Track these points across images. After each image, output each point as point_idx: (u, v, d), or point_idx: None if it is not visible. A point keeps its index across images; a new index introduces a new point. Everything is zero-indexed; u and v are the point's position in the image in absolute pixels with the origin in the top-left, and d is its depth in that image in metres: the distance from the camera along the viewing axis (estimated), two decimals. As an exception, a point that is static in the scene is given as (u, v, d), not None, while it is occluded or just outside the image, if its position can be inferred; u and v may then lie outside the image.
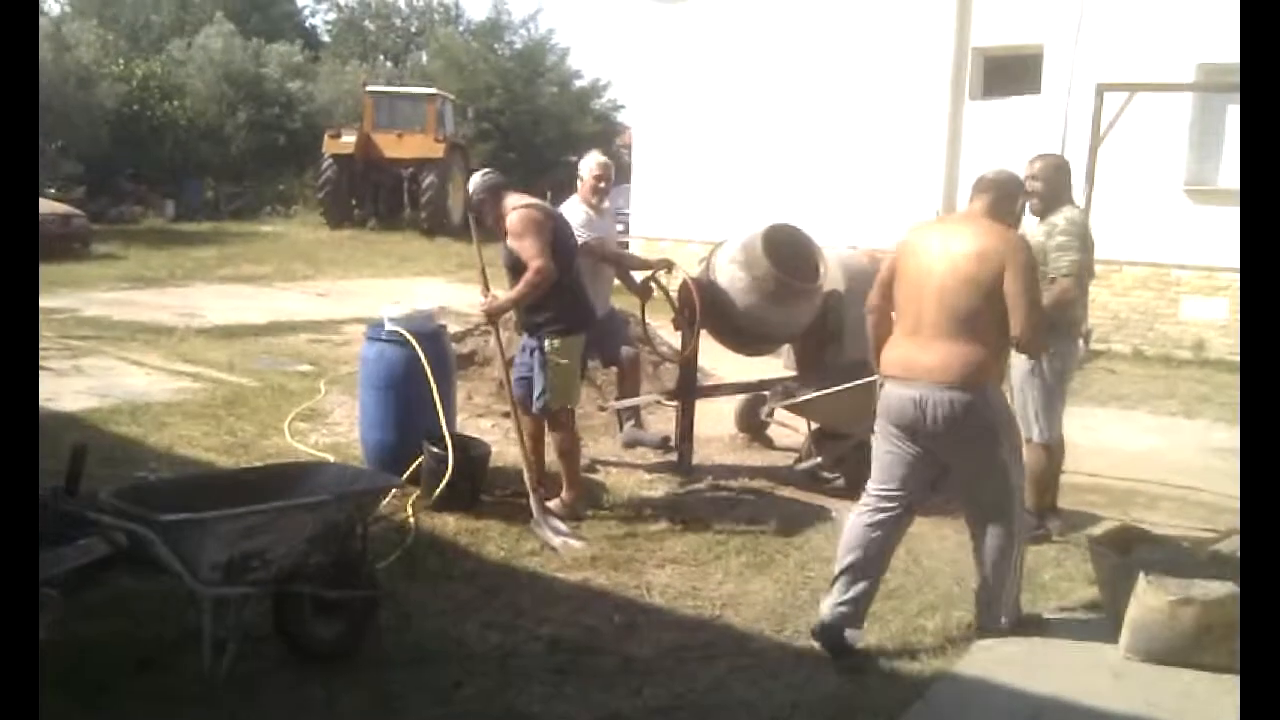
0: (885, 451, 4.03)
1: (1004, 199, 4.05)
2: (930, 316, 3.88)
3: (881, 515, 3.99)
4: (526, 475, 5.19)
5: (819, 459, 5.97)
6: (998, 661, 3.93)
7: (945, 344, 3.84)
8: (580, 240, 5.81)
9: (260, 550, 3.36)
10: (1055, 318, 4.62)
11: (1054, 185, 5.03)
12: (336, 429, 6.75)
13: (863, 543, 3.96)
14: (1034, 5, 12.02)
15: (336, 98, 29.38)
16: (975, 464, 3.98)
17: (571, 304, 5.27)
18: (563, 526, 5.08)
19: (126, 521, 3.21)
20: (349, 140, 22.32)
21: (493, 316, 5.31)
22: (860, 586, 3.94)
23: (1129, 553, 4.19)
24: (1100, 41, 11.48)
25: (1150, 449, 7.23)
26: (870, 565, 3.97)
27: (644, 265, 6.58)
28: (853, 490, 5.73)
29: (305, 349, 9.62)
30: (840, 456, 5.89)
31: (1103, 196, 11.07)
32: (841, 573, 3.96)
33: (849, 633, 3.95)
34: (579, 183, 6.27)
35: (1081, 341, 5.14)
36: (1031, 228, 4.91)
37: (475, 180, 5.42)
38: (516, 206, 5.20)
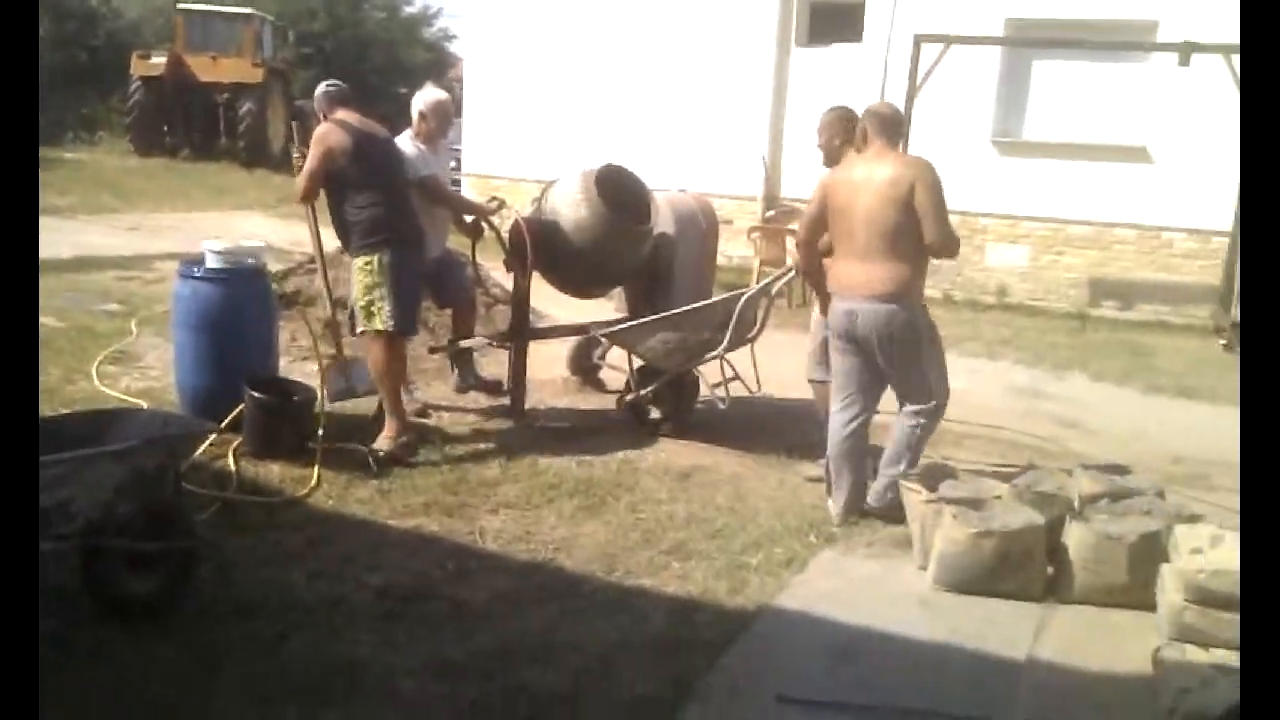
0: (836, 361, 4.84)
1: (895, 131, 4.76)
2: (861, 240, 4.59)
3: (851, 418, 4.81)
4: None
5: (640, 394, 6.08)
6: (817, 595, 4.13)
7: (874, 264, 4.57)
8: (414, 177, 5.69)
9: (64, 502, 3.20)
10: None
11: (835, 136, 5.15)
12: (150, 373, 6.42)
13: (844, 448, 4.79)
14: (858, -46, 12.30)
15: (145, 15, 27.49)
16: (901, 364, 4.70)
17: (378, 221, 5.24)
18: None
19: None
20: (159, 61, 20.89)
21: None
22: (850, 480, 4.79)
23: (936, 489, 4.46)
24: (920, -7, 11.88)
25: (956, 390, 7.58)
26: (858, 461, 4.81)
27: (475, 208, 6.46)
28: (674, 427, 5.95)
29: (114, 287, 9.06)
30: (659, 392, 6.02)
31: (917, 146, 11.53)
32: (836, 475, 4.82)
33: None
34: (414, 118, 5.98)
35: (818, 300, 5.31)
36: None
37: (318, 89, 5.56)
38: (327, 120, 5.32)
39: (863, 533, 4.74)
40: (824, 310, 4.96)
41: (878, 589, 4.22)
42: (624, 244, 5.99)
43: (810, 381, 5.49)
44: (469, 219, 6.30)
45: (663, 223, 6.21)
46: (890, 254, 4.55)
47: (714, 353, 5.75)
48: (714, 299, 5.90)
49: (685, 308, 5.84)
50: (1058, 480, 4.59)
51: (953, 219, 4.59)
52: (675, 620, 3.86)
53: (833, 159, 5.13)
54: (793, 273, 5.69)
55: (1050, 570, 4.20)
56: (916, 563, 4.38)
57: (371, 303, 5.26)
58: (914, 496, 4.49)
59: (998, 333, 10.08)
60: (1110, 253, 11.72)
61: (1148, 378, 8.37)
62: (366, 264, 5.25)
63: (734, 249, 11.24)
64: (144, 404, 5.48)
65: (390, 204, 5.31)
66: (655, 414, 6.09)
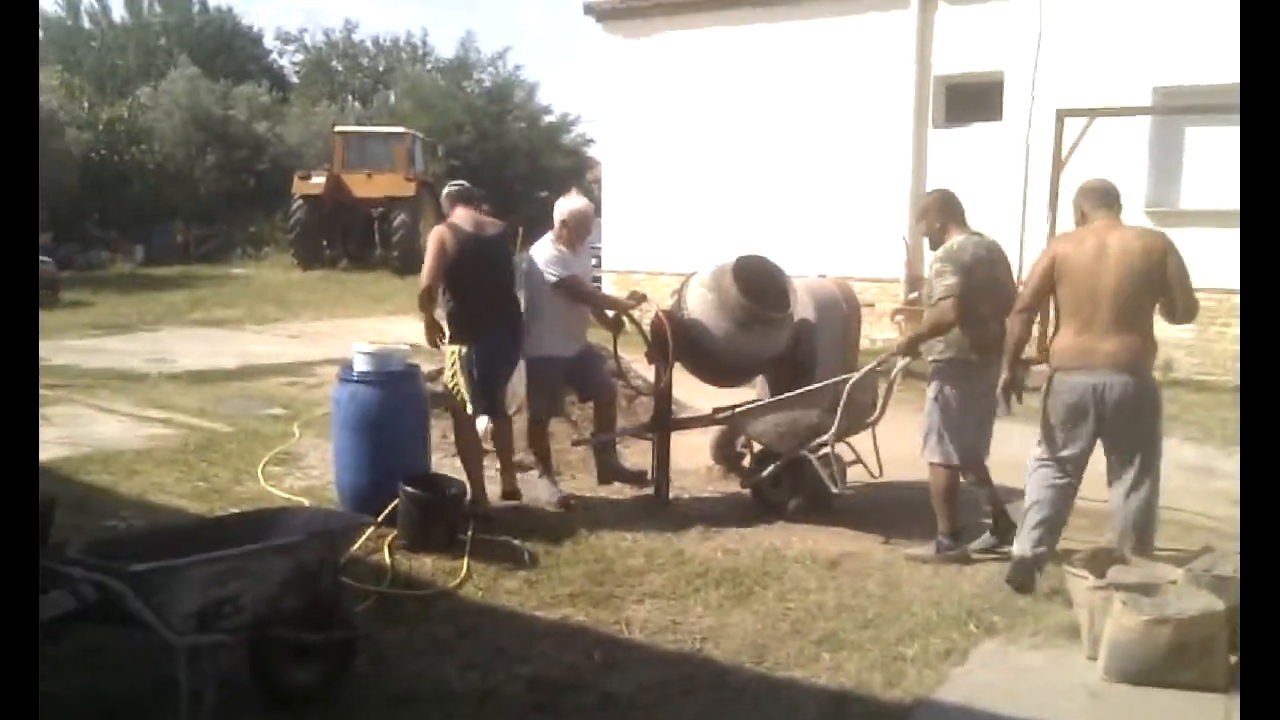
0: (1062, 435, 4.79)
1: (1117, 203, 4.85)
2: (1106, 311, 4.61)
3: (1059, 480, 4.81)
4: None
5: (757, 478, 6.06)
6: (979, 688, 3.93)
7: (1121, 335, 4.61)
8: (552, 278, 5.88)
9: (233, 596, 3.33)
10: (952, 341, 5.15)
11: (936, 219, 5.35)
12: (311, 472, 6.70)
13: (1049, 499, 4.81)
14: (993, 33, 12.22)
15: (306, 139, 29.39)
16: (1136, 434, 4.72)
17: (464, 317, 5.82)
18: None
19: (96, 574, 3.16)
20: (319, 181, 22.30)
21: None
22: (1050, 537, 4.82)
23: (1104, 575, 4.22)
24: (1059, 67, 11.70)
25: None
26: (1057, 519, 4.84)
27: (614, 303, 6.56)
28: (810, 512, 5.85)
29: (278, 392, 9.56)
30: (776, 476, 5.97)
31: (1066, 221, 11.24)
32: (1037, 524, 4.80)
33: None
34: (556, 224, 6.18)
35: (993, 369, 5.13)
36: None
37: (445, 189, 6.18)
38: (444, 221, 5.90)
39: (1026, 622, 4.51)
40: (1009, 387, 4.91)
41: (1044, 681, 3.99)
42: (762, 333, 6.00)
43: (932, 465, 5.32)
44: (610, 314, 6.42)
45: (803, 308, 6.19)
46: (1134, 324, 4.63)
47: (824, 436, 5.65)
48: (822, 383, 5.82)
49: (793, 392, 5.80)
50: (1237, 563, 4.29)
51: None
52: (828, 713, 3.74)
53: (936, 242, 5.29)
54: (903, 359, 5.51)
55: (1234, 660, 3.90)
56: (1085, 652, 4.13)
57: (455, 388, 5.87)
58: (1081, 583, 4.25)
59: (1165, 409, 9.54)
60: (1282, 322, 11.05)
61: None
62: (453, 354, 5.86)
63: (877, 332, 11.10)
64: (305, 501, 5.71)
65: (479, 302, 5.83)
66: (777, 498, 6.04)
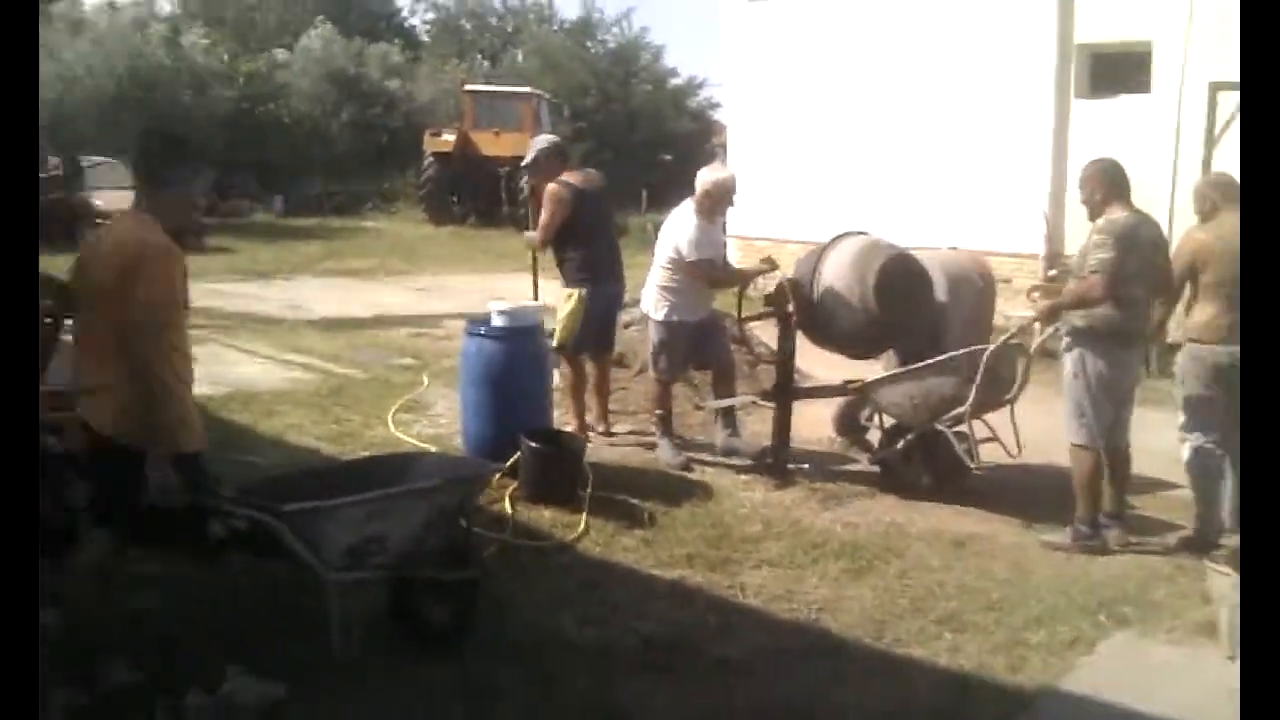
0: (1199, 401, 5.02)
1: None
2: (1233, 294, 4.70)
3: (1209, 450, 5.04)
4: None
5: (886, 451, 5.93)
6: (1107, 679, 3.81)
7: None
8: (691, 257, 5.99)
9: (380, 536, 3.49)
10: (1099, 316, 4.93)
11: (1097, 190, 5.10)
12: (439, 421, 6.87)
13: (1207, 472, 5.06)
14: None
15: (436, 97, 29.87)
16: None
17: (586, 264, 6.26)
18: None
19: (256, 513, 3.34)
20: (449, 139, 22.68)
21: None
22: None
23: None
24: (1213, 37, 11.03)
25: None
26: (1216, 490, 5.05)
27: (747, 280, 6.51)
28: (940, 490, 5.71)
29: (407, 343, 9.81)
30: (908, 451, 5.81)
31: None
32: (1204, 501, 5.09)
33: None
34: (698, 193, 6.15)
35: (1151, 353, 5.16)
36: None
37: (539, 141, 6.59)
38: (555, 180, 6.23)
39: (1161, 616, 4.34)
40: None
41: (1177, 678, 3.85)
42: (891, 334, 5.93)
43: (1074, 446, 5.09)
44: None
45: (934, 284, 6.02)
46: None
47: (959, 410, 5.48)
48: (955, 352, 5.61)
49: (926, 362, 5.63)
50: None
51: None
52: (947, 694, 3.68)
53: (1095, 213, 5.05)
54: (1052, 328, 5.32)
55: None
56: (1224, 652, 3.95)
57: (567, 327, 6.24)
58: (1223, 579, 4.06)
59: None
60: None
61: None
62: (569, 296, 6.25)
63: (1013, 310, 10.76)
64: (433, 448, 5.86)
65: (600, 248, 6.32)
66: (907, 474, 5.88)
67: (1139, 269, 4.91)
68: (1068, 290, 5.13)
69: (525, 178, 21.77)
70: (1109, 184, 5.07)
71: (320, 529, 3.35)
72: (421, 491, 3.69)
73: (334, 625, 3.43)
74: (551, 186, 6.21)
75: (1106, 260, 4.83)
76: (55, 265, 3.99)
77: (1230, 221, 4.82)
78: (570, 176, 6.31)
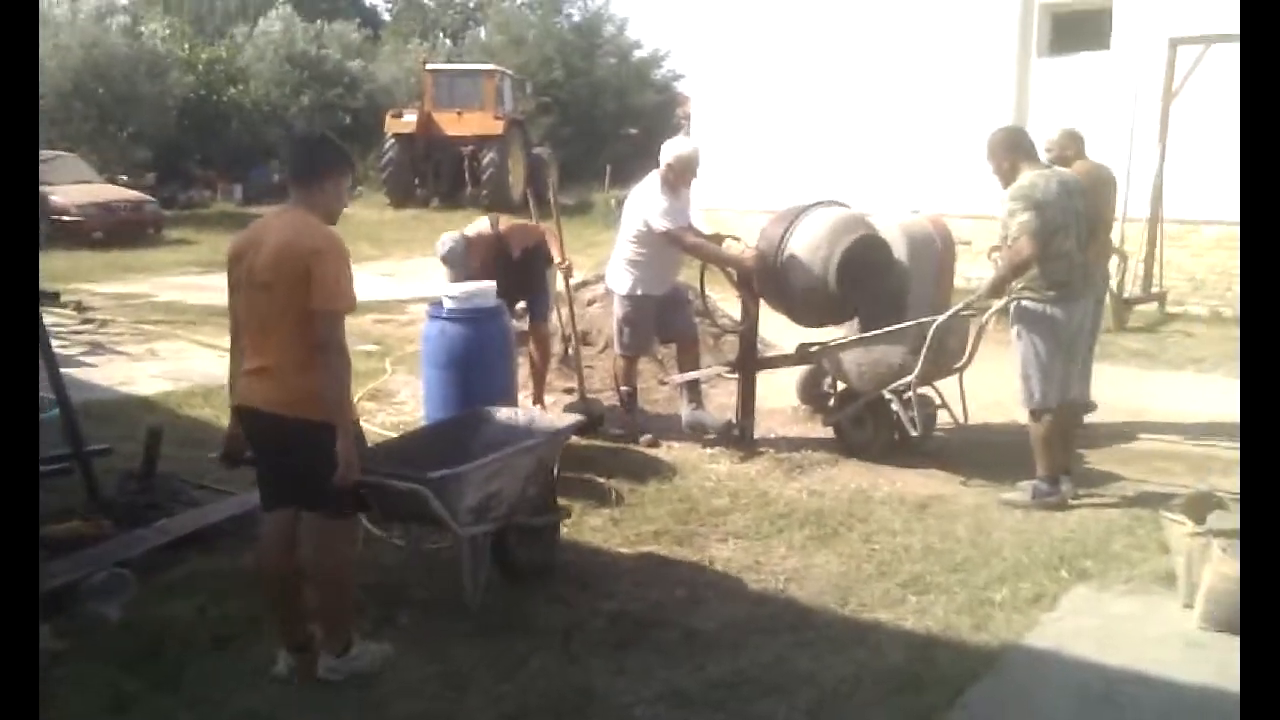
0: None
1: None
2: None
3: None
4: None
5: (837, 416, 6.03)
6: (1069, 633, 3.87)
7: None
8: (661, 228, 5.95)
9: (497, 491, 3.92)
10: (1030, 279, 5.02)
11: (1005, 158, 5.21)
12: (403, 408, 6.85)
13: None
14: (1102, -43, 11.64)
15: (399, 76, 29.56)
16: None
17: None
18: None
19: (408, 483, 3.67)
20: (410, 119, 22.46)
21: None
22: None
23: (1204, 521, 4.08)
24: (1173, -8, 11.08)
25: (1227, 413, 7.00)
26: None
27: (723, 259, 6.41)
28: (896, 454, 5.78)
29: (371, 329, 9.75)
30: (859, 415, 5.92)
31: (1177, 155, 10.74)
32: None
33: None
34: (662, 166, 6.11)
35: (1090, 303, 5.30)
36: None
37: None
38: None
39: (1119, 568, 4.40)
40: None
41: (1137, 628, 3.91)
42: (855, 304, 5.97)
43: (1035, 411, 5.14)
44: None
45: (896, 247, 6.04)
46: None
47: (906, 378, 5.54)
48: (903, 325, 5.69)
49: (876, 331, 5.69)
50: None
51: (1221, 230, 4.40)
52: (914, 656, 3.71)
53: (1007, 181, 5.14)
54: (1001, 302, 5.31)
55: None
56: (1181, 600, 4.02)
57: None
58: (1179, 529, 4.13)
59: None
60: None
61: None
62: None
63: (975, 270, 10.80)
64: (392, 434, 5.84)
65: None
66: (864, 438, 5.98)
67: (1061, 221, 4.99)
68: (1001, 264, 5.16)
69: (489, 155, 21.80)
70: (1014, 149, 5.19)
71: (456, 491, 3.71)
72: (529, 449, 4.09)
73: (465, 576, 3.84)
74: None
75: (1025, 222, 4.91)
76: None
77: (1084, 168, 5.59)
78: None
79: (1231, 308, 11.01)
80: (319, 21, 30.22)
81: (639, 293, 6.18)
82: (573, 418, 4.84)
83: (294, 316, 3.35)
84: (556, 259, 6.31)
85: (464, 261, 5.97)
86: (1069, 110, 11.16)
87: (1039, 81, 12.34)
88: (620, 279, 6.24)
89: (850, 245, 5.78)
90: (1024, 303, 5.08)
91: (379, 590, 4.08)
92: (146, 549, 4.30)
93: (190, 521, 4.61)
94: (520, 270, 6.14)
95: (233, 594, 4.00)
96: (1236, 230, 10.76)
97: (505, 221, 6.40)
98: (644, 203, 6.07)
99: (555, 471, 4.45)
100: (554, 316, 7.35)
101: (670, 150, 6.14)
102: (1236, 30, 10.47)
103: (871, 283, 5.87)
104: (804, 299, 5.92)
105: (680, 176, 6.11)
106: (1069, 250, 5.03)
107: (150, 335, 9.19)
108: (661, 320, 6.29)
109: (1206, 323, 10.49)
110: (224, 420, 6.45)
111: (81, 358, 8.18)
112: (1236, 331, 10.03)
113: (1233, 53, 10.27)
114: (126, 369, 7.94)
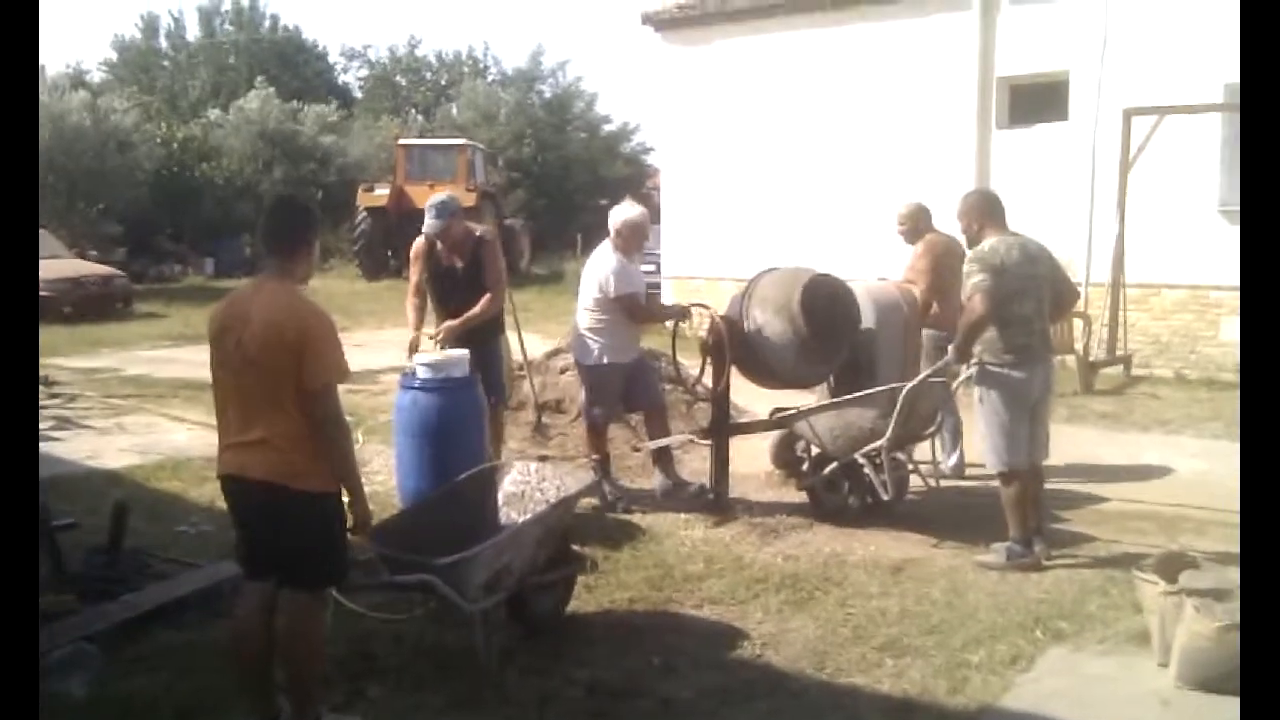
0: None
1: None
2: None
3: None
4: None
5: (810, 480, 6.05)
6: (1046, 695, 3.86)
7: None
8: (614, 295, 5.98)
9: (508, 564, 4.00)
10: (988, 343, 5.10)
11: (974, 220, 5.38)
12: (375, 478, 6.78)
13: None
14: (1058, 33, 12.00)
15: (370, 152, 29.87)
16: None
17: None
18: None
19: (417, 573, 3.79)
20: (382, 193, 22.65)
21: None
22: None
23: (1176, 580, 4.10)
24: (1126, 66, 11.43)
25: (1196, 473, 7.09)
26: None
27: (668, 315, 6.61)
28: (870, 517, 5.80)
29: (343, 399, 9.63)
30: (832, 479, 5.94)
31: (1136, 221, 11.00)
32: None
33: None
34: (611, 233, 6.24)
35: (1038, 369, 5.20)
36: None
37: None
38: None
39: (1094, 628, 4.40)
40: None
41: (1114, 688, 3.90)
42: (827, 359, 6.01)
43: (1003, 474, 5.19)
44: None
45: (864, 312, 6.13)
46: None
47: (878, 442, 5.58)
48: (874, 389, 5.76)
49: (848, 396, 5.75)
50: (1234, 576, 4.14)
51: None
52: (891, 720, 3.68)
53: (974, 243, 5.31)
54: (966, 369, 5.38)
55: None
56: (1156, 659, 4.02)
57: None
58: (1152, 588, 4.14)
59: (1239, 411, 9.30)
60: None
61: None
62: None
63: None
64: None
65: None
66: (837, 501, 6.00)
67: (1020, 286, 5.07)
68: (960, 325, 5.21)
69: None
70: (983, 213, 5.34)
71: (463, 575, 3.79)
72: (535, 520, 4.20)
73: (480, 650, 3.90)
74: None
75: (978, 282, 5.01)
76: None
77: (935, 239, 6.10)
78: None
79: (1195, 370, 11.19)
80: (295, 101, 30.53)
81: (605, 361, 6.19)
82: (584, 478, 4.89)
83: (286, 393, 3.37)
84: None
85: (450, 219, 6.01)
86: (1030, 180, 11.45)
87: (999, 152, 12.63)
88: (584, 349, 6.26)
89: (808, 283, 5.90)
90: (986, 366, 5.14)
91: (348, 662, 4.02)
92: (112, 623, 4.22)
93: (157, 595, 4.53)
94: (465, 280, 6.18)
95: (199, 668, 3.93)
96: (1197, 293, 11.02)
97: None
98: (599, 269, 6.15)
99: (567, 529, 4.58)
100: (524, 385, 7.39)
101: (618, 216, 6.25)
102: (1188, 101, 10.78)
103: (839, 318, 5.95)
104: (778, 356, 5.95)
105: (629, 242, 6.20)
106: (1029, 314, 5.11)
107: (118, 409, 9.10)
108: (627, 390, 6.32)
109: (1171, 385, 10.63)
110: (192, 493, 6.44)
111: (49, 432, 8.08)
112: (1202, 393, 10.23)
113: (1185, 124, 10.60)
114: (94, 443, 7.85)
